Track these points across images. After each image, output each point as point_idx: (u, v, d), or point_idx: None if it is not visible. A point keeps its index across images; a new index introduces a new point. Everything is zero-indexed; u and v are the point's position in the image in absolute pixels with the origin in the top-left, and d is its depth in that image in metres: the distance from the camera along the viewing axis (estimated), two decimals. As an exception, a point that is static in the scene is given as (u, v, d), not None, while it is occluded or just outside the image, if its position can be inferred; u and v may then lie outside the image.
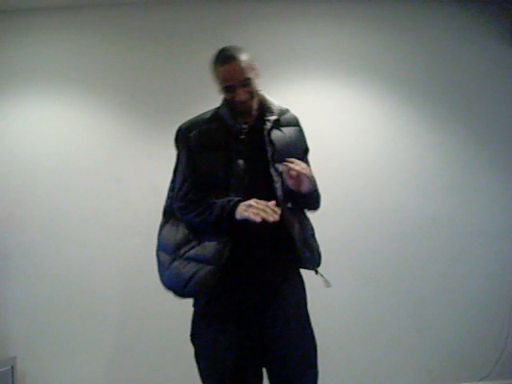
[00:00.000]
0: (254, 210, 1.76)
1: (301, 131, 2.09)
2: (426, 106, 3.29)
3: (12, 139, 3.34)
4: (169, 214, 2.08)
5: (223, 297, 1.90)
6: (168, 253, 1.99)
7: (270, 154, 1.92)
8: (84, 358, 3.24)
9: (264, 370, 1.99)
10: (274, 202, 1.79)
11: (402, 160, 3.26)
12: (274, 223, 1.73)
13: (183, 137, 1.99)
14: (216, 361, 1.90)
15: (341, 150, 3.25)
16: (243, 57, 1.89)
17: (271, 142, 1.94)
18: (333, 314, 3.11)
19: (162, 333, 3.20)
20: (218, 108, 2.02)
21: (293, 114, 2.09)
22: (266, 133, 1.94)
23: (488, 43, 3.30)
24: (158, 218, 3.17)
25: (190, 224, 1.98)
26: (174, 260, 1.95)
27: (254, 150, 1.93)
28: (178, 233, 1.99)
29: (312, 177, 1.94)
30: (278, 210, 1.76)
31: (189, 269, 1.89)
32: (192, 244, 1.94)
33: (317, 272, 2.03)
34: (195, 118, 2.03)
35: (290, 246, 1.92)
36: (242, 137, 1.92)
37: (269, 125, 1.95)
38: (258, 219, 1.73)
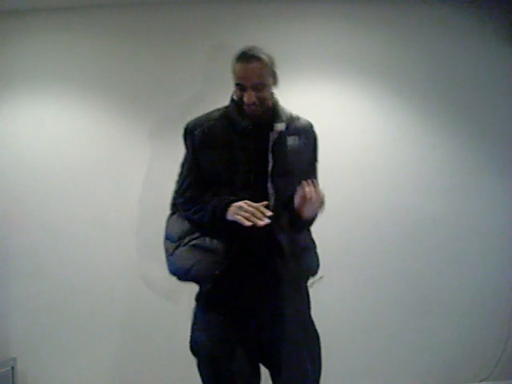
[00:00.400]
0: (244, 214, 1.76)
1: (309, 140, 2.06)
2: (425, 106, 3.28)
3: (12, 140, 3.34)
4: (176, 207, 2.13)
5: (222, 292, 1.93)
6: (173, 241, 2.03)
7: (270, 166, 1.91)
8: (85, 358, 3.24)
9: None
10: (266, 203, 1.80)
11: (401, 160, 3.26)
12: (266, 226, 1.73)
13: (189, 134, 2.01)
14: (212, 355, 1.93)
15: (340, 151, 3.24)
16: (264, 61, 1.88)
17: (274, 153, 1.92)
18: (333, 314, 3.10)
19: (165, 333, 3.20)
20: (227, 107, 2.03)
21: (304, 123, 2.06)
22: (270, 143, 1.92)
23: (488, 43, 3.29)
24: (159, 218, 3.20)
25: (191, 220, 2.00)
26: (178, 246, 1.99)
27: (258, 152, 1.93)
28: (184, 223, 2.03)
29: (322, 203, 1.91)
30: (269, 213, 1.75)
31: (193, 255, 1.92)
32: (197, 234, 1.96)
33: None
34: (203, 115, 2.04)
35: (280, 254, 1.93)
36: (246, 133, 1.92)
37: (275, 134, 1.93)
38: (247, 223, 1.74)
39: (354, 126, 3.27)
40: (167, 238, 2.10)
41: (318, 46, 3.29)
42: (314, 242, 2.13)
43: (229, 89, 2.05)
